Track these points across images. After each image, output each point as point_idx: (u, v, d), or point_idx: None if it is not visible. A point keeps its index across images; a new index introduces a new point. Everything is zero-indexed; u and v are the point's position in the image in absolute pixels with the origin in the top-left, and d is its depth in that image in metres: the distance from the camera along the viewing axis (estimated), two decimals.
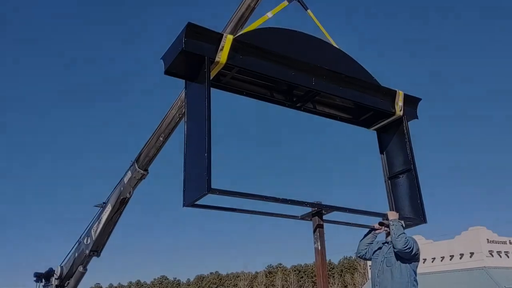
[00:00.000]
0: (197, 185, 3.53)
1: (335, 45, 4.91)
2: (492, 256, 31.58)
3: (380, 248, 4.66)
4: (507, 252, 32.59)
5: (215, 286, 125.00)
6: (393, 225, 4.38)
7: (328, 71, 4.51)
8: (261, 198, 3.71)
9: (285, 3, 5.05)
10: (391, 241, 4.37)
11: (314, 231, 4.20)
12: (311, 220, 4.27)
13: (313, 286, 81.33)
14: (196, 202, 3.65)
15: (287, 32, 4.53)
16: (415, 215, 4.74)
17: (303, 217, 4.28)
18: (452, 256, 32.99)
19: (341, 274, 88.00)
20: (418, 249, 4.44)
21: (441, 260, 33.75)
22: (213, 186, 3.46)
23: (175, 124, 7.23)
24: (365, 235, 4.84)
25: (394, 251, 4.39)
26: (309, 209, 4.20)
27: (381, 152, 5.30)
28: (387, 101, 4.95)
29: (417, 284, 4.44)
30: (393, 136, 5.17)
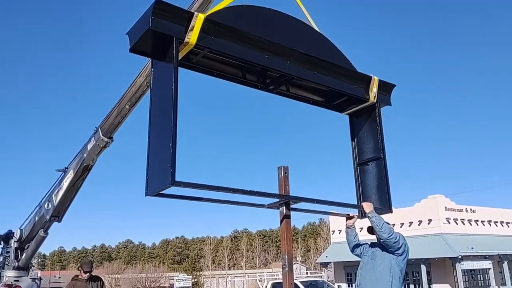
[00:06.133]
0: (161, 176, 3.36)
1: (315, 27, 4.70)
2: (449, 223, 33.03)
3: (372, 246, 4.73)
4: (463, 219, 34.13)
5: (181, 250, 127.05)
6: (372, 217, 4.38)
7: (304, 55, 4.32)
8: (228, 191, 3.58)
9: None
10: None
11: (281, 221, 4.14)
12: (278, 209, 4.20)
13: (277, 250, 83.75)
14: (160, 192, 3.50)
15: (264, 11, 4.27)
16: (381, 204, 4.75)
17: (270, 206, 4.20)
18: (411, 223, 34.32)
19: (304, 239, 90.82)
20: (405, 244, 4.48)
21: (401, 226, 35.07)
22: (178, 177, 3.31)
23: (142, 92, 6.95)
24: (346, 232, 4.88)
25: (380, 242, 4.44)
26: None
27: (352, 138, 5.23)
28: (362, 87, 4.83)
29: (399, 277, 4.46)
30: (365, 122, 5.10)
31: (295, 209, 4.32)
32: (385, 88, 5.01)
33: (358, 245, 4.82)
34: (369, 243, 4.81)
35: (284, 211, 4.11)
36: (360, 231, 5.08)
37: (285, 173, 4.22)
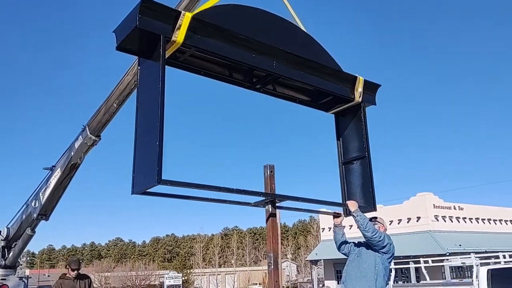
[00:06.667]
0: (147, 175, 3.39)
1: (302, 27, 4.75)
2: (437, 220, 33.42)
3: (358, 245, 4.81)
4: (451, 217, 34.55)
5: (171, 248, 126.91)
6: (357, 216, 4.44)
7: (290, 55, 4.37)
8: (214, 189, 3.63)
9: None
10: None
11: (267, 220, 4.19)
12: (264, 207, 4.25)
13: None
14: (147, 190, 3.53)
15: (251, 10, 4.30)
16: (366, 202, 4.82)
17: (256, 204, 4.24)
18: (400, 220, 34.64)
19: (295, 236, 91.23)
20: (390, 244, 4.56)
21: (390, 224, 35.35)
22: (165, 176, 3.35)
23: (130, 91, 6.95)
24: (334, 231, 4.94)
25: (365, 241, 4.52)
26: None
27: (338, 136, 5.29)
28: (347, 87, 4.90)
29: (384, 274, 4.53)
30: (350, 121, 5.16)
31: (280, 207, 4.37)
32: (370, 88, 5.08)
33: (345, 243, 4.89)
34: (356, 242, 4.88)
35: (270, 209, 4.17)
36: (350, 228, 5.16)
37: (271, 171, 4.28)
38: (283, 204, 4.36)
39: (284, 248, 74.43)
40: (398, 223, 34.78)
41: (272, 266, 4.02)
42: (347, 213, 4.70)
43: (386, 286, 4.51)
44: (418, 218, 33.40)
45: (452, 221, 34.49)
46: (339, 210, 4.86)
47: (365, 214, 4.72)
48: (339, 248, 4.95)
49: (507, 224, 38.66)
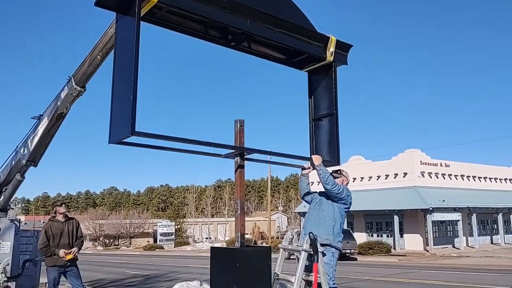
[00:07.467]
0: (122, 126, 3.66)
1: None
2: (423, 176, 34.24)
3: (320, 194, 5.22)
4: (437, 173, 35.38)
5: (165, 197, 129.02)
6: (319, 170, 4.82)
7: (264, 14, 4.53)
8: (184, 141, 3.92)
9: None
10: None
11: (236, 170, 4.53)
12: (233, 159, 4.57)
13: (259, 200, 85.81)
14: (122, 140, 3.81)
15: None
16: (331, 157, 5.15)
17: (226, 156, 4.57)
18: (387, 176, 35.49)
19: (286, 190, 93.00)
20: (348, 196, 4.97)
21: (377, 179, 36.26)
22: (138, 127, 3.62)
23: (113, 44, 7.07)
24: (300, 179, 5.33)
25: (326, 193, 4.91)
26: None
27: (310, 94, 5.54)
28: (319, 47, 5.10)
29: (341, 222, 5.01)
30: (322, 80, 5.40)
31: (249, 159, 4.70)
32: (342, 47, 5.28)
33: (308, 193, 5.30)
34: (318, 192, 5.28)
35: (239, 161, 4.50)
36: (312, 184, 5.56)
37: (241, 126, 4.57)
38: (252, 156, 4.69)
39: (275, 200, 76.12)
40: (386, 179, 35.65)
41: (239, 211, 4.40)
42: (313, 166, 5.05)
43: (341, 231, 4.96)
44: (405, 174, 34.20)
45: (438, 178, 35.34)
46: (306, 163, 5.21)
47: (331, 167, 5.09)
48: (303, 197, 5.36)
49: (491, 181, 39.65)
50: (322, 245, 4.70)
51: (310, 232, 4.58)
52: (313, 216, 5.04)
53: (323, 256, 4.68)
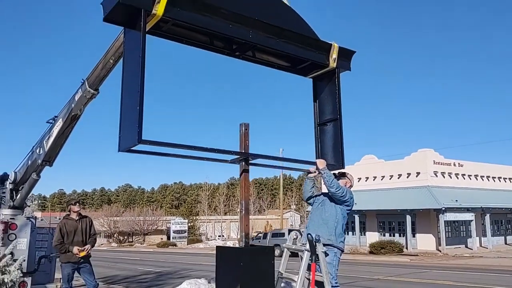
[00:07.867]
0: (130, 135, 3.87)
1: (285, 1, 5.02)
2: (436, 176, 34.02)
3: (324, 195, 5.35)
4: (450, 173, 35.10)
5: (179, 195, 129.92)
6: (324, 173, 4.97)
7: (266, 24, 4.68)
8: (190, 148, 4.10)
9: None
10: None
11: (241, 174, 4.71)
12: (239, 164, 4.75)
13: (272, 198, 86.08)
14: (131, 148, 4.02)
15: None
16: (336, 161, 5.30)
17: (232, 162, 4.75)
18: (400, 175, 35.33)
19: (299, 188, 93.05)
20: (351, 198, 5.13)
21: (390, 178, 36.14)
22: (148, 135, 3.82)
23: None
24: (305, 181, 5.48)
25: (329, 194, 5.07)
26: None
27: (314, 100, 5.69)
28: (323, 54, 5.24)
29: (343, 223, 5.16)
30: (326, 86, 5.54)
31: (254, 164, 4.88)
32: (345, 54, 5.41)
33: (311, 196, 5.45)
34: (322, 193, 5.44)
35: (243, 166, 4.67)
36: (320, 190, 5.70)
37: (246, 129, 4.75)
38: (256, 161, 4.86)
39: (288, 199, 76.22)
40: (398, 178, 35.49)
41: (244, 212, 4.60)
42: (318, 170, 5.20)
43: (343, 232, 5.12)
44: (418, 173, 34.02)
45: (451, 177, 35.07)
46: (312, 167, 5.35)
47: (335, 170, 5.25)
48: (306, 199, 5.50)
49: (505, 181, 39.21)
50: (324, 245, 4.87)
51: (309, 234, 4.75)
52: (316, 216, 5.21)
53: (326, 256, 4.85)
